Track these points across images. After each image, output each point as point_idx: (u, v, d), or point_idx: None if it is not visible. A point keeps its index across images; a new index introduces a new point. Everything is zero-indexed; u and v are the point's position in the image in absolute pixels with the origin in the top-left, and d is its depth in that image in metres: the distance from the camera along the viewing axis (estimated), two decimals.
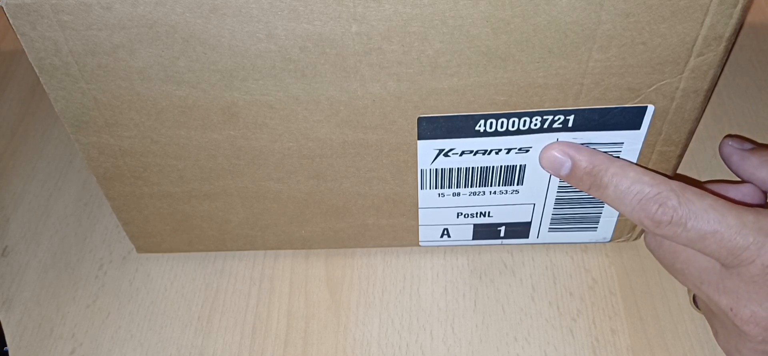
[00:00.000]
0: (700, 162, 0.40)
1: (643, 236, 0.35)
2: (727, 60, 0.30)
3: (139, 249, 0.39)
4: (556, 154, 0.30)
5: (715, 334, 0.31)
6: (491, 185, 0.33)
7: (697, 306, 0.33)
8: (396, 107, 0.29)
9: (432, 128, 0.30)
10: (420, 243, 0.37)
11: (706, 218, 0.26)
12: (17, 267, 0.39)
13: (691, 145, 0.41)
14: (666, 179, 0.28)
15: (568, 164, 0.30)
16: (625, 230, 0.36)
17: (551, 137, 0.31)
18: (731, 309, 0.27)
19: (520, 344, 0.34)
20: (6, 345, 0.36)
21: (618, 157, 0.31)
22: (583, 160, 0.29)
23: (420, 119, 0.30)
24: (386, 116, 0.30)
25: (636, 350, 0.34)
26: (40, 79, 0.28)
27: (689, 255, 0.28)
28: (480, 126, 0.30)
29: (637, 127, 0.30)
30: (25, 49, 0.27)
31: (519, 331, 0.35)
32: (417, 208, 0.35)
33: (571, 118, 0.30)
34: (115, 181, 0.34)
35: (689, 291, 0.34)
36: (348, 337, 0.35)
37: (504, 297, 0.36)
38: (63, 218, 0.41)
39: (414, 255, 0.38)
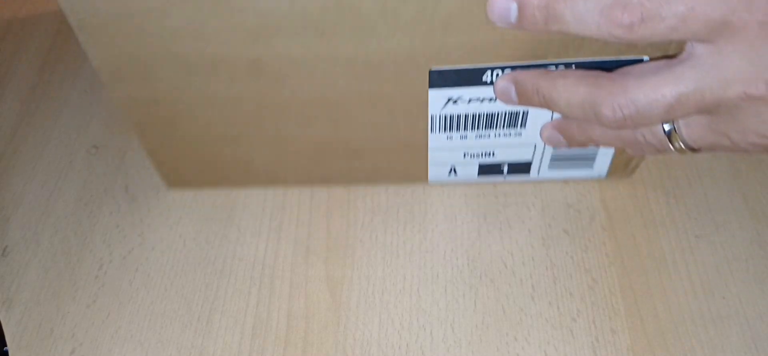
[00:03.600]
0: (701, 163, 0.40)
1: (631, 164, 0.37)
2: None
3: (170, 185, 0.42)
4: (501, 2, 0.27)
5: (724, 139, 0.27)
6: (496, 129, 0.36)
7: (691, 148, 0.29)
8: (409, 61, 0.32)
9: (442, 78, 0.33)
10: (429, 181, 0.40)
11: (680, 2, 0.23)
12: (17, 267, 0.39)
13: None
14: None
15: (514, 7, 0.27)
16: (620, 166, 0.38)
17: None
18: (745, 92, 0.24)
19: (520, 344, 0.34)
20: (6, 345, 0.36)
21: None
22: None
23: (431, 72, 0.32)
24: (400, 69, 0.32)
25: (636, 350, 0.34)
26: (79, 37, 0.30)
27: (670, 85, 0.25)
28: (486, 77, 0.32)
29: None
30: (64, 10, 0.29)
31: (519, 331, 0.35)
32: (427, 150, 0.37)
33: (572, 68, 0.31)
34: (147, 127, 0.37)
35: (674, 138, 0.29)
36: (348, 337, 0.35)
37: (504, 297, 0.36)
38: (63, 218, 0.41)
39: (414, 255, 0.38)
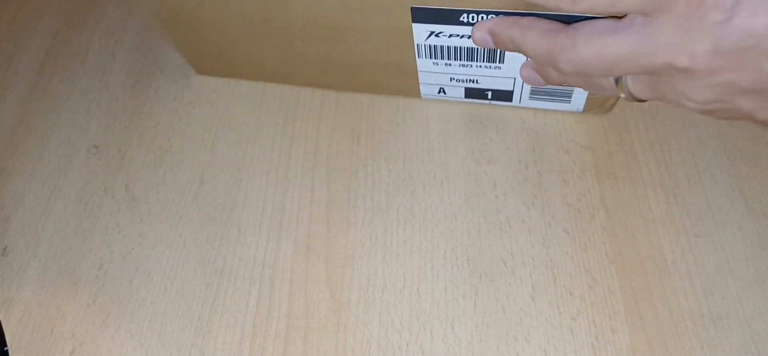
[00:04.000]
0: (700, 162, 0.40)
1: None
2: None
3: (198, 72, 0.48)
4: None
5: (662, 97, 0.30)
6: (477, 61, 0.39)
7: (636, 98, 0.32)
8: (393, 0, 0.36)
9: (423, 15, 0.37)
10: (421, 96, 0.44)
11: None
12: (17, 266, 0.39)
13: (691, 145, 0.41)
14: None
15: None
16: (597, 104, 0.41)
17: None
18: (670, 62, 0.27)
19: (520, 344, 0.34)
20: (6, 345, 0.36)
21: None
22: None
23: (413, 8, 0.36)
24: (384, 6, 0.36)
25: (636, 350, 0.34)
26: None
27: (613, 43, 0.28)
28: (464, 18, 0.36)
29: None
30: None
31: (519, 331, 0.35)
32: (417, 71, 0.41)
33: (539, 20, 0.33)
34: (174, 29, 0.43)
35: (620, 88, 0.32)
36: (348, 337, 0.35)
37: (504, 297, 0.36)
38: (63, 218, 0.41)
39: (414, 255, 0.38)
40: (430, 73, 0.41)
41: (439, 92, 0.43)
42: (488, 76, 0.40)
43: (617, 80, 0.32)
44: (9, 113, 0.47)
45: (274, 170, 0.42)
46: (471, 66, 0.40)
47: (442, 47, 0.39)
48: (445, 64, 0.40)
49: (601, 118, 0.43)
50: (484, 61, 0.39)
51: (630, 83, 0.31)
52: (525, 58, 0.38)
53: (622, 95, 0.32)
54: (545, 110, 0.43)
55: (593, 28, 0.29)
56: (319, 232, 0.39)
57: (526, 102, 0.42)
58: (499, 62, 0.39)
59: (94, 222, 0.41)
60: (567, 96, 0.41)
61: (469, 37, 0.37)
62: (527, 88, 0.41)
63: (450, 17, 0.36)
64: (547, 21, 0.32)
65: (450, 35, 0.38)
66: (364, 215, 0.40)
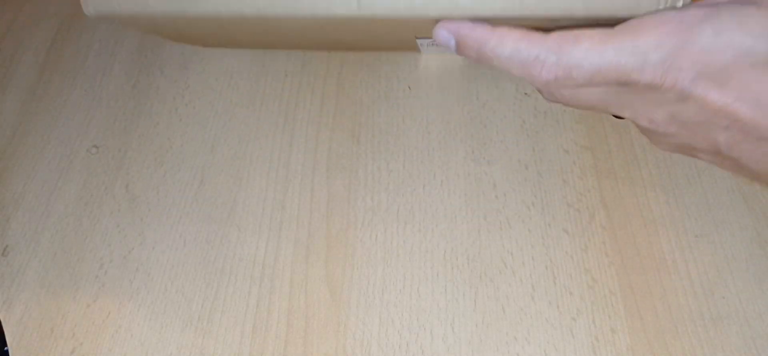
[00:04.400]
0: (700, 162, 0.40)
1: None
2: None
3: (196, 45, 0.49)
4: (442, 33, 0.31)
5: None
6: None
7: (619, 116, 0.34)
8: (397, 26, 0.36)
9: (427, 38, 0.36)
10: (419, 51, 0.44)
11: (587, 63, 0.27)
12: (17, 266, 0.39)
13: None
14: (544, 37, 0.28)
15: (453, 41, 0.31)
16: None
17: None
18: (634, 120, 0.29)
19: (520, 344, 0.34)
20: (6, 345, 0.36)
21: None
22: (468, 36, 0.30)
23: (417, 38, 0.37)
24: (389, 32, 0.36)
25: (636, 350, 0.34)
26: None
27: (586, 94, 0.30)
28: None
29: None
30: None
31: (519, 331, 0.35)
32: (418, 51, 0.43)
33: None
34: (168, 36, 0.42)
35: None
36: (348, 336, 0.35)
37: (504, 297, 0.36)
38: (63, 218, 0.41)
39: (414, 255, 0.38)
40: (432, 52, 0.45)
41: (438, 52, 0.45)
42: None
43: None
44: (9, 113, 0.47)
45: (274, 170, 0.42)
46: None
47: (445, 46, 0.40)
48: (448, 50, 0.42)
49: (601, 118, 0.43)
50: None
51: None
52: None
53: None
54: (545, 110, 0.43)
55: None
56: (319, 232, 0.39)
57: None
58: None
59: (94, 222, 0.41)
60: None
61: None
62: None
63: None
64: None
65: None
66: (364, 215, 0.40)
